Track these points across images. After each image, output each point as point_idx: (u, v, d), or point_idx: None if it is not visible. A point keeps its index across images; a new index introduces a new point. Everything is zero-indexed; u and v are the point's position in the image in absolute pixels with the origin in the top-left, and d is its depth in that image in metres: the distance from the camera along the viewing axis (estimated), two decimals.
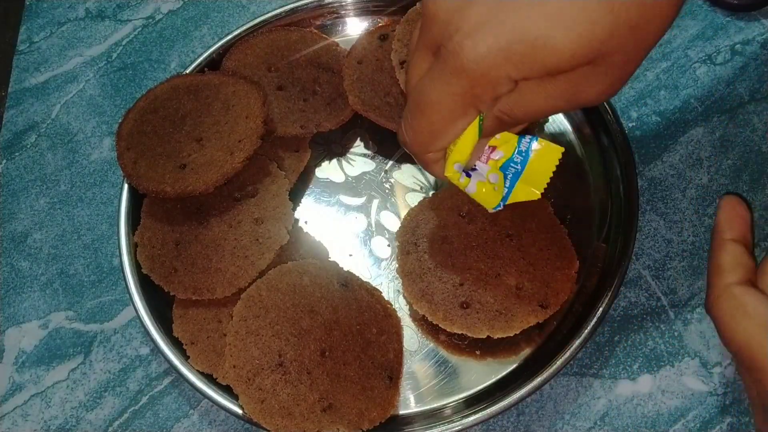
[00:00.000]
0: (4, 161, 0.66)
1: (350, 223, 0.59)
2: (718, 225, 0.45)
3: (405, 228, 0.55)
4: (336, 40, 0.64)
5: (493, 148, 0.42)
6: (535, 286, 0.52)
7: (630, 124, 0.62)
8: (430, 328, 0.54)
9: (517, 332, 0.50)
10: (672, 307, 0.56)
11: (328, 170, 0.61)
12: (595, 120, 0.59)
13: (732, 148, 0.61)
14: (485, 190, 0.42)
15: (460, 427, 0.48)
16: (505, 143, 0.42)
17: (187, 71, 0.60)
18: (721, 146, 0.61)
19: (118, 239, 0.55)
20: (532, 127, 0.60)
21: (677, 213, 0.59)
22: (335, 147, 0.62)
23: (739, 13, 0.66)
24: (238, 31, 0.62)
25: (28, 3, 0.74)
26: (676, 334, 0.55)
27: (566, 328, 0.52)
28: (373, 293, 0.53)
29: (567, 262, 0.53)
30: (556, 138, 0.60)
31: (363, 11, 0.66)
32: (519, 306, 0.51)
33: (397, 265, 0.54)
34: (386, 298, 0.53)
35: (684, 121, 0.62)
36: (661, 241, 0.58)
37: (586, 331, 0.50)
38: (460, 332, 0.51)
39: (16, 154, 0.66)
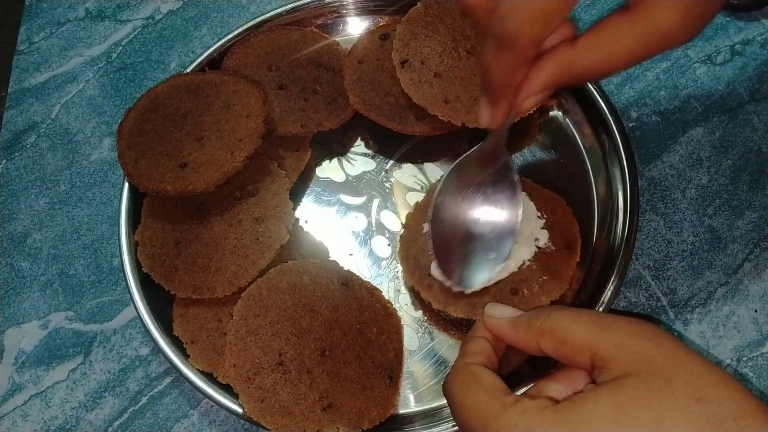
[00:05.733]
0: (4, 161, 0.66)
1: (350, 222, 0.59)
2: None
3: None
4: (337, 39, 0.64)
5: None
6: (539, 272, 0.51)
7: (630, 124, 0.62)
8: (429, 328, 0.55)
9: None
10: (672, 307, 0.56)
11: (329, 170, 0.61)
12: (595, 120, 0.59)
13: (732, 148, 0.61)
14: None
15: None
16: None
17: (188, 70, 0.60)
18: (721, 146, 0.61)
19: (119, 238, 0.55)
20: (533, 129, 0.61)
21: (677, 213, 0.59)
22: (336, 146, 0.62)
23: (739, 13, 0.67)
24: (239, 30, 0.62)
25: (28, 3, 0.74)
26: (676, 334, 0.55)
27: None
28: (373, 293, 0.53)
29: (571, 252, 0.53)
30: (557, 139, 0.60)
31: (364, 10, 0.66)
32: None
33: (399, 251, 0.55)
34: (386, 298, 0.53)
35: (684, 121, 0.63)
36: (661, 241, 0.58)
37: None
38: (463, 316, 0.50)
39: (16, 154, 0.66)
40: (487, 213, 0.49)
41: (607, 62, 0.36)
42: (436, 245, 0.49)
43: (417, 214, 0.55)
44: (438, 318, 0.55)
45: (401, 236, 0.55)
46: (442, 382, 0.42)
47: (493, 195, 0.48)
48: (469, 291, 0.49)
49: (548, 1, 0.34)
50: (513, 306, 0.45)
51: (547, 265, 0.51)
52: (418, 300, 0.56)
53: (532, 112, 0.55)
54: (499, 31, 0.35)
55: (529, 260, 0.51)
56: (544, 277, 0.51)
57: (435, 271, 0.50)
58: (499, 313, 0.43)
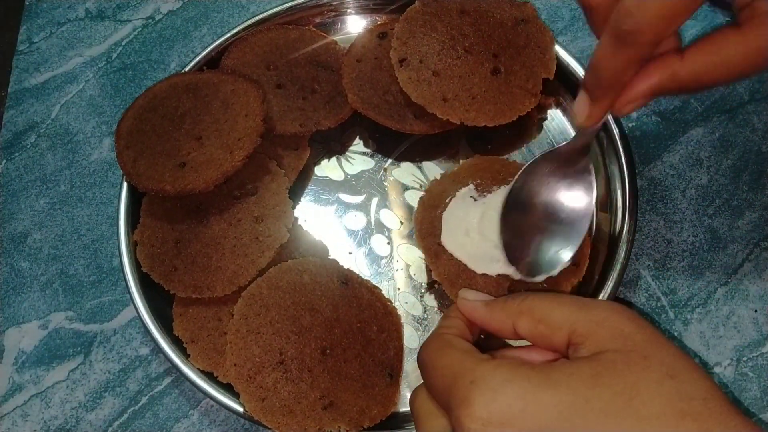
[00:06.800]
0: (4, 161, 0.66)
1: (349, 221, 0.59)
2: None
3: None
4: (335, 38, 0.64)
5: None
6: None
7: (630, 124, 0.62)
8: (429, 326, 0.55)
9: None
10: (672, 307, 0.56)
11: (328, 168, 0.61)
12: None
13: (732, 148, 0.61)
14: None
15: None
16: None
17: (186, 70, 0.60)
18: (721, 146, 0.61)
19: (118, 238, 0.55)
20: (532, 128, 0.61)
21: (677, 213, 0.59)
22: (334, 145, 0.62)
23: None
24: (237, 29, 0.62)
25: (28, 3, 0.74)
26: (676, 334, 0.55)
27: None
28: (373, 291, 0.53)
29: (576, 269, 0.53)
30: (556, 138, 0.60)
31: (362, 9, 0.66)
32: None
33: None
34: (386, 296, 0.53)
35: (684, 121, 0.63)
36: (661, 241, 0.58)
37: None
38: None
39: (16, 154, 0.66)
40: (559, 212, 0.48)
41: (712, 74, 0.36)
42: (505, 236, 0.48)
43: (444, 183, 0.55)
44: (438, 316, 0.55)
45: (421, 198, 0.54)
46: (416, 355, 0.41)
47: (568, 195, 0.48)
48: (531, 280, 0.48)
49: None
50: None
51: (548, 280, 0.50)
52: (420, 285, 0.56)
53: (530, 110, 0.55)
54: (622, 26, 0.35)
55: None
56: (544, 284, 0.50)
57: (503, 265, 0.49)
58: (473, 296, 0.43)
